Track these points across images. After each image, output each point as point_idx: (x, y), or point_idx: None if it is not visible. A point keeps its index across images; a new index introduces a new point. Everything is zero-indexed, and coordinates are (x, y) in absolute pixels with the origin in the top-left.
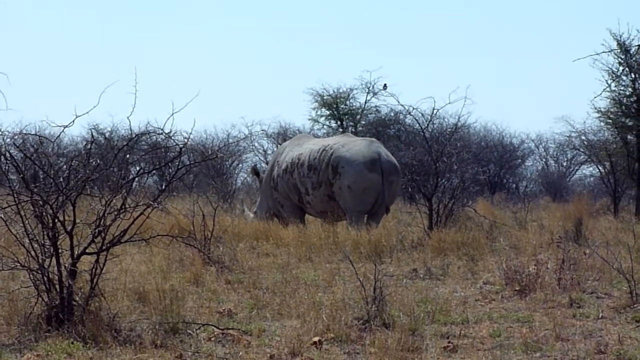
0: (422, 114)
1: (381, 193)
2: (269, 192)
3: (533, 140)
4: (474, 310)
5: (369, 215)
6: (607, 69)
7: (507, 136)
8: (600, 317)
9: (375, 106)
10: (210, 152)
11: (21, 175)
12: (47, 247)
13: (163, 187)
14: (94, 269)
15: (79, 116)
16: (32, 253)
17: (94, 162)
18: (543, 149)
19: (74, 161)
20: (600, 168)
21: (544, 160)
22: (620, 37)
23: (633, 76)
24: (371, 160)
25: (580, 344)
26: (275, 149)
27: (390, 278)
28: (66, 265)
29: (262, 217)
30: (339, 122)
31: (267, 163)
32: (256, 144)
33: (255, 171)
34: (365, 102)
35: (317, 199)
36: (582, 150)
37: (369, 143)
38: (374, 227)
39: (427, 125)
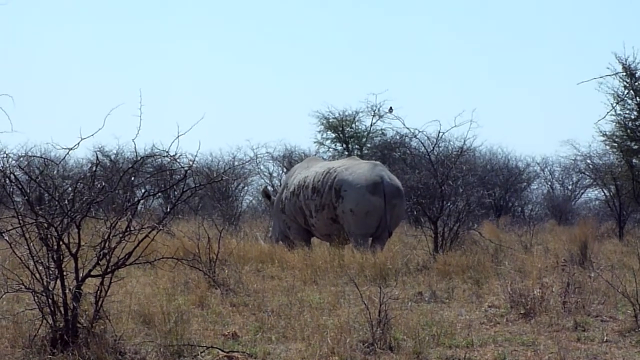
0: (428, 137)
1: (384, 216)
2: (280, 215)
3: (538, 164)
4: (479, 334)
5: (374, 238)
6: (613, 92)
7: (512, 159)
8: (604, 340)
9: (381, 129)
10: (215, 175)
11: (26, 198)
12: (52, 269)
13: (168, 209)
14: (98, 292)
15: (84, 138)
16: (37, 275)
17: (99, 185)
18: (548, 172)
19: (79, 183)
20: (605, 191)
21: (549, 183)
22: (626, 61)
23: (638, 100)
24: (374, 183)
25: None
26: (280, 171)
27: (395, 301)
28: (71, 287)
29: (277, 240)
30: (344, 145)
31: (272, 186)
32: (262, 167)
33: (267, 194)
34: (371, 125)
35: (320, 221)
36: (587, 173)
37: (372, 166)
38: (379, 250)
39: (433, 148)
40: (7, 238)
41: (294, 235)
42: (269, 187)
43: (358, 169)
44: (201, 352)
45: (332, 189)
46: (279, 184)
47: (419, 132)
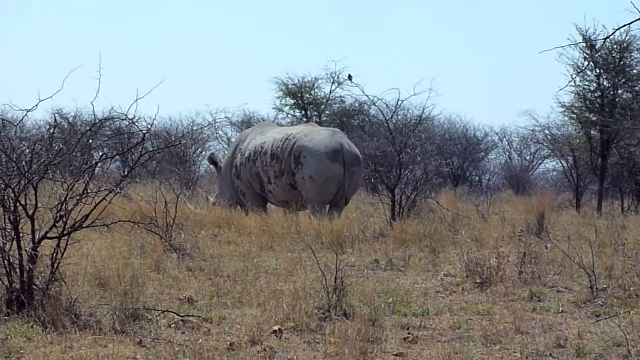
0: (387, 105)
1: (342, 184)
2: (230, 180)
3: (497, 134)
4: (435, 302)
5: (332, 205)
6: (572, 63)
7: (471, 129)
8: (560, 311)
9: (340, 96)
10: (173, 139)
11: None
12: (8, 230)
13: (126, 172)
14: (54, 254)
15: (43, 100)
16: None
17: (56, 147)
18: (507, 142)
19: (36, 145)
20: (563, 162)
21: (507, 153)
22: (586, 32)
23: (598, 71)
24: (333, 150)
25: (540, 338)
26: None
27: (351, 268)
28: (27, 249)
29: (223, 205)
30: (303, 112)
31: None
32: (220, 132)
33: (213, 160)
34: (330, 92)
35: (279, 188)
36: (545, 144)
37: (331, 133)
38: (337, 217)
39: (392, 116)
40: None
41: (249, 201)
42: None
43: (317, 135)
44: (156, 316)
45: (292, 155)
46: None
47: (378, 99)
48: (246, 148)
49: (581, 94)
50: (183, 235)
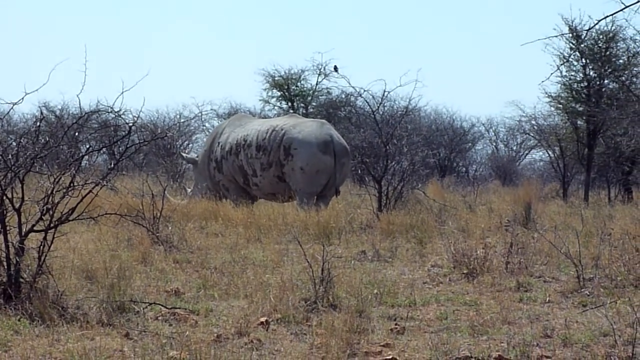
0: (373, 97)
1: (332, 175)
2: (209, 174)
3: (483, 124)
4: (422, 293)
5: (319, 196)
6: (558, 53)
7: (457, 120)
8: (547, 301)
9: (327, 88)
10: (160, 132)
11: None
12: None
13: (112, 165)
14: (41, 247)
15: (29, 93)
16: None
17: (43, 140)
18: (493, 133)
19: (23, 138)
20: (550, 153)
21: (494, 144)
22: (572, 22)
23: (584, 61)
24: (324, 142)
25: (527, 328)
26: None
27: (338, 259)
28: (14, 242)
29: (198, 197)
30: (290, 104)
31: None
32: (207, 124)
33: (188, 159)
34: (317, 84)
35: (265, 180)
36: (532, 134)
37: (320, 125)
38: (323, 209)
39: (378, 107)
40: None
41: (233, 195)
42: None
43: (306, 127)
44: (144, 308)
45: (281, 146)
46: None
47: (364, 91)
48: (226, 141)
49: (567, 84)
50: (170, 228)
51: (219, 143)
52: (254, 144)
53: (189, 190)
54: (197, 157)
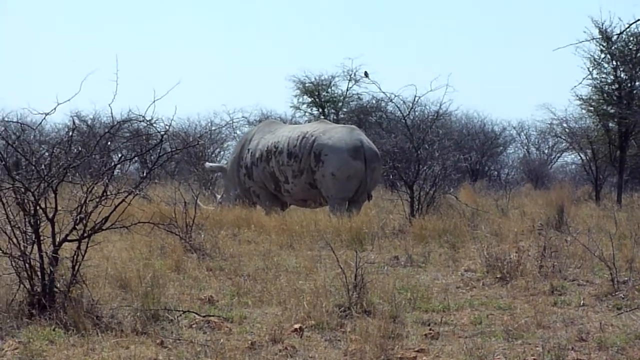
0: (404, 102)
1: (364, 180)
2: (238, 180)
3: (515, 128)
4: (455, 298)
5: (350, 202)
6: (589, 56)
7: (488, 123)
8: (581, 304)
9: (357, 94)
10: (191, 140)
11: (3, 163)
12: (29, 234)
13: (145, 174)
14: (75, 256)
15: (61, 103)
16: (14, 240)
17: (75, 150)
18: (525, 137)
19: (55, 148)
20: (581, 155)
21: (525, 147)
22: (602, 25)
23: (614, 64)
24: (354, 147)
25: (561, 332)
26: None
27: (371, 265)
28: (48, 252)
29: (229, 204)
30: (320, 110)
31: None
32: (238, 132)
33: (212, 168)
34: (347, 90)
35: (297, 187)
36: (563, 137)
37: (350, 130)
38: (355, 214)
39: (409, 112)
40: None
41: (263, 201)
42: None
43: (336, 133)
44: (178, 316)
45: (312, 153)
46: None
47: (395, 96)
48: (256, 148)
49: (598, 86)
50: (203, 236)
51: (248, 150)
52: (285, 151)
53: (218, 197)
54: (225, 164)
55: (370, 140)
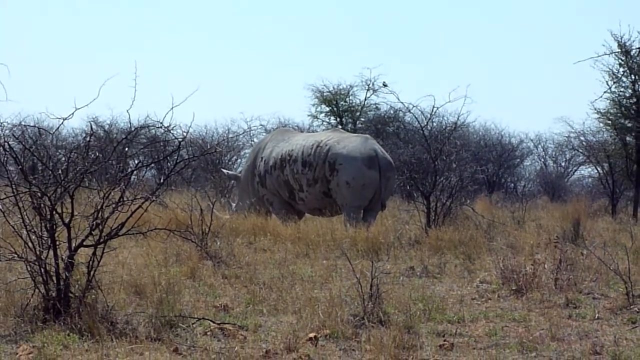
0: (422, 112)
1: (378, 189)
2: (252, 188)
3: (532, 140)
4: (470, 309)
5: (366, 210)
6: (608, 70)
7: (506, 135)
8: (596, 317)
9: (375, 103)
10: (209, 147)
11: (20, 167)
12: (45, 238)
13: (161, 180)
14: (91, 262)
15: (79, 108)
16: (30, 245)
17: (92, 155)
18: (542, 149)
19: (72, 153)
20: (598, 169)
21: (542, 160)
22: (621, 39)
23: (633, 78)
24: (369, 157)
25: (576, 345)
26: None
27: (386, 275)
28: (63, 257)
29: (243, 212)
30: (338, 119)
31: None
32: (255, 140)
33: (229, 175)
34: (365, 99)
35: (312, 195)
36: (580, 150)
37: (364, 140)
38: (371, 223)
39: (427, 123)
40: (0, 207)
41: (277, 209)
42: None
43: (350, 142)
44: (192, 324)
45: (326, 162)
46: None
47: (413, 106)
48: (269, 156)
49: (616, 100)
50: (218, 243)
51: (262, 158)
52: (299, 159)
53: (233, 205)
54: (239, 172)
55: (386, 150)
